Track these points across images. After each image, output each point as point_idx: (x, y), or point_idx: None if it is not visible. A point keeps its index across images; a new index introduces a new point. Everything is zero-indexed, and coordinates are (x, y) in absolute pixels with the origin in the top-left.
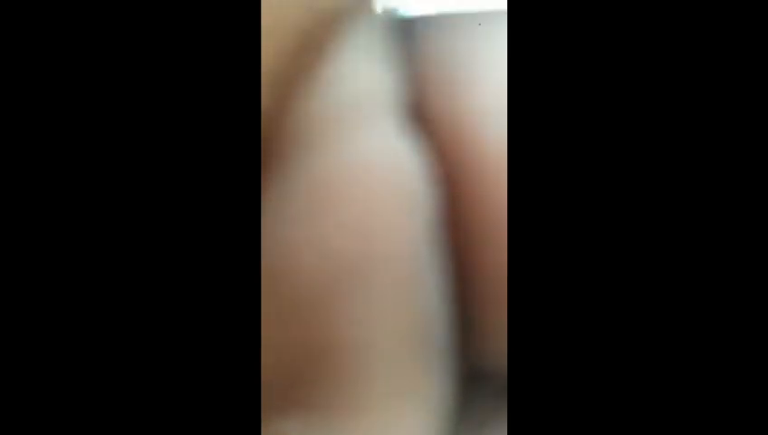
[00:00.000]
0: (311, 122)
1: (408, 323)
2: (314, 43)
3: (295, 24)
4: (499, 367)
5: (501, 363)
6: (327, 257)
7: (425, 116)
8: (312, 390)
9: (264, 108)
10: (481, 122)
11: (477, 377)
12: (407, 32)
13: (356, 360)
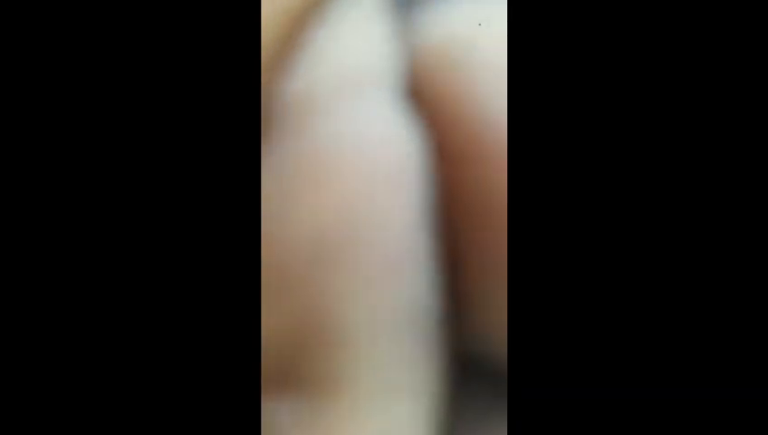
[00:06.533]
0: (306, 94)
1: (397, 306)
2: (312, 13)
3: None
4: (491, 353)
5: (492, 350)
6: (317, 232)
7: (423, 91)
8: (299, 371)
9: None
10: (481, 100)
11: (469, 363)
12: (407, 4)
13: (342, 340)
